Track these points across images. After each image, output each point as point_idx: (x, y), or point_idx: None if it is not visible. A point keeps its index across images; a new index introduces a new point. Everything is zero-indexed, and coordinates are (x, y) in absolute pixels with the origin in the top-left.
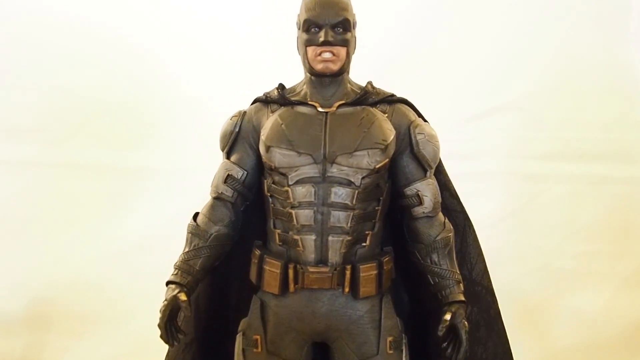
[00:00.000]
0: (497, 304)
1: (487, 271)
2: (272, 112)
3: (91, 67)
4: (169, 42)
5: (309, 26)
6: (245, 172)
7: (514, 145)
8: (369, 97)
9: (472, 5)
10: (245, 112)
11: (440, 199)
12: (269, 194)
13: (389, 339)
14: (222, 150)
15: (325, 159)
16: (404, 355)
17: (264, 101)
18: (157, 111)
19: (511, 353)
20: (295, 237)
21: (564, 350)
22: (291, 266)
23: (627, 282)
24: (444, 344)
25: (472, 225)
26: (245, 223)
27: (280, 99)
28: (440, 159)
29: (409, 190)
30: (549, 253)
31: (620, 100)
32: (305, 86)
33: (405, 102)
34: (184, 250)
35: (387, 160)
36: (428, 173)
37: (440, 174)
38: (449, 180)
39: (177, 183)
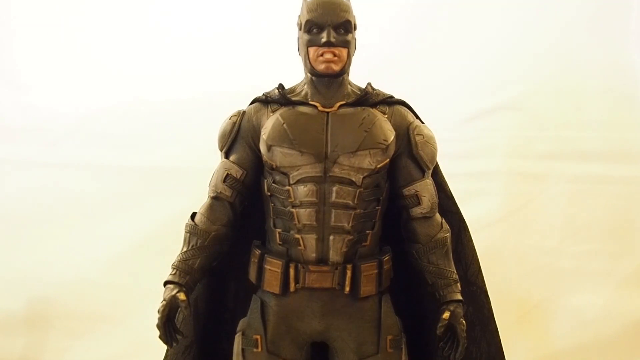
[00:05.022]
0: (491, 303)
1: (481, 271)
2: (273, 111)
3: (90, 67)
4: (168, 42)
5: (310, 27)
6: (245, 172)
7: (513, 145)
8: (369, 98)
9: (472, 5)
10: (244, 112)
11: (437, 200)
12: (269, 194)
13: (389, 337)
14: (221, 150)
15: (327, 158)
16: (403, 353)
17: (264, 101)
18: (157, 111)
19: (503, 352)
20: (297, 236)
21: (563, 350)
22: (292, 265)
23: (627, 282)
24: (442, 343)
25: (466, 226)
26: (242, 223)
27: (281, 98)
28: (436, 161)
29: (408, 191)
30: (549, 253)
31: (620, 100)
32: (305, 86)
33: (403, 103)
34: (182, 250)
35: (387, 160)
36: (426, 174)
37: (436, 175)
38: (445, 182)
39: (177, 183)
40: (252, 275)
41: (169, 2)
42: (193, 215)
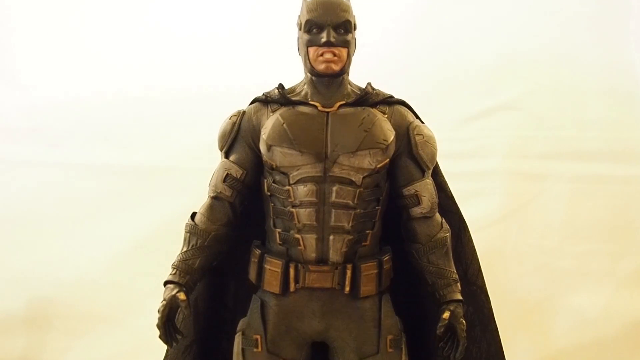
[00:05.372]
0: (491, 303)
1: (481, 271)
2: (273, 111)
3: (90, 66)
4: (169, 41)
5: (310, 27)
6: (245, 172)
7: (514, 145)
8: (369, 98)
9: (472, 5)
10: (244, 112)
11: (437, 200)
12: (269, 194)
13: (389, 337)
14: (221, 150)
15: (327, 158)
16: (403, 353)
17: (264, 101)
18: (158, 110)
19: (503, 352)
20: (297, 236)
21: (563, 350)
22: (292, 265)
23: (628, 282)
24: (442, 343)
25: (466, 226)
26: (242, 223)
27: (281, 98)
28: (436, 160)
29: (407, 191)
30: (549, 253)
31: (620, 100)
32: (305, 86)
33: (403, 103)
34: (182, 249)
35: (387, 160)
36: (426, 174)
37: (436, 175)
38: (445, 182)
39: (177, 183)
40: (252, 275)
41: (170, 4)
42: (193, 215)
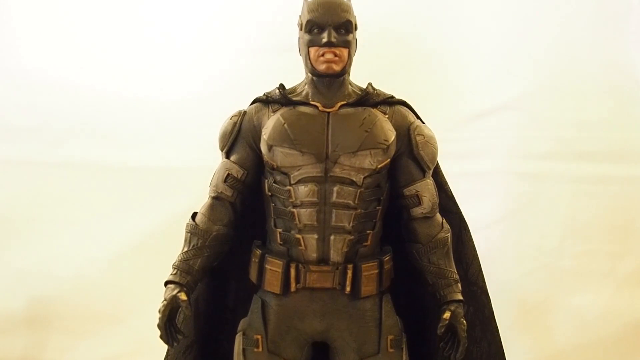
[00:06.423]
0: (491, 303)
1: (482, 271)
2: (273, 112)
3: (91, 65)
4: (168, 41)
5: (311, 27)
6: (245, 172)
7: (514, 145)
8: (370, 98)
9: (472, 5)
10: (245, 112)
11: (437, 200)
12: (269, 194)
13: (390, 337)
14: (222, 150)
15: (328, 158)
16: (404, 353)
17: (265, 101)
18: (158, 110)
19: (503, 352)
20: (297, 236)
21: (563, 350)
22: (293, 265)
23: (628, 282)
24: (442, 343)
25: (467, 226)
26: (243, 223)
27: (281, 98)
28: (437, 161)
29: (408, 191)
30: (549, 253)
31: (620, 100)
32: (306, 86)
33: (404, 103)
34: (183, 250)
35: (388, 160)
36: (426, 174)
37: (437, 175)
38: (445, 182)
39: (177, 183)
40: (253, 275)
41: (171, 3)
42: (194, 215)
